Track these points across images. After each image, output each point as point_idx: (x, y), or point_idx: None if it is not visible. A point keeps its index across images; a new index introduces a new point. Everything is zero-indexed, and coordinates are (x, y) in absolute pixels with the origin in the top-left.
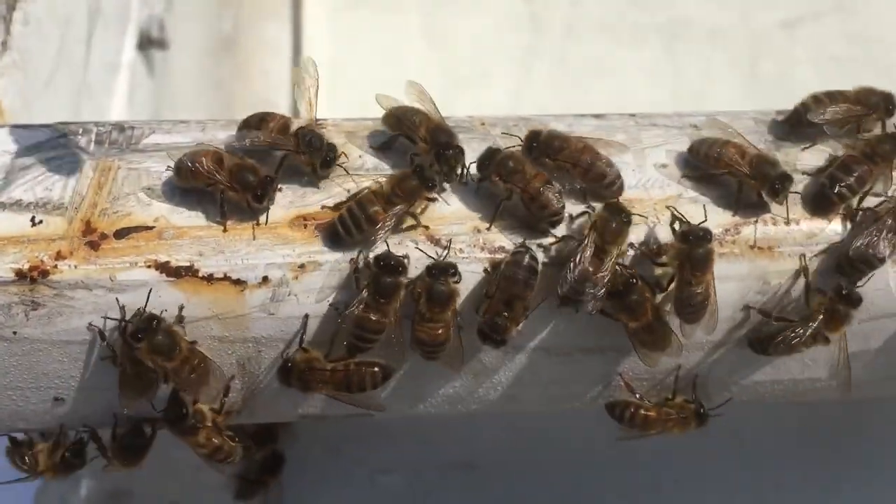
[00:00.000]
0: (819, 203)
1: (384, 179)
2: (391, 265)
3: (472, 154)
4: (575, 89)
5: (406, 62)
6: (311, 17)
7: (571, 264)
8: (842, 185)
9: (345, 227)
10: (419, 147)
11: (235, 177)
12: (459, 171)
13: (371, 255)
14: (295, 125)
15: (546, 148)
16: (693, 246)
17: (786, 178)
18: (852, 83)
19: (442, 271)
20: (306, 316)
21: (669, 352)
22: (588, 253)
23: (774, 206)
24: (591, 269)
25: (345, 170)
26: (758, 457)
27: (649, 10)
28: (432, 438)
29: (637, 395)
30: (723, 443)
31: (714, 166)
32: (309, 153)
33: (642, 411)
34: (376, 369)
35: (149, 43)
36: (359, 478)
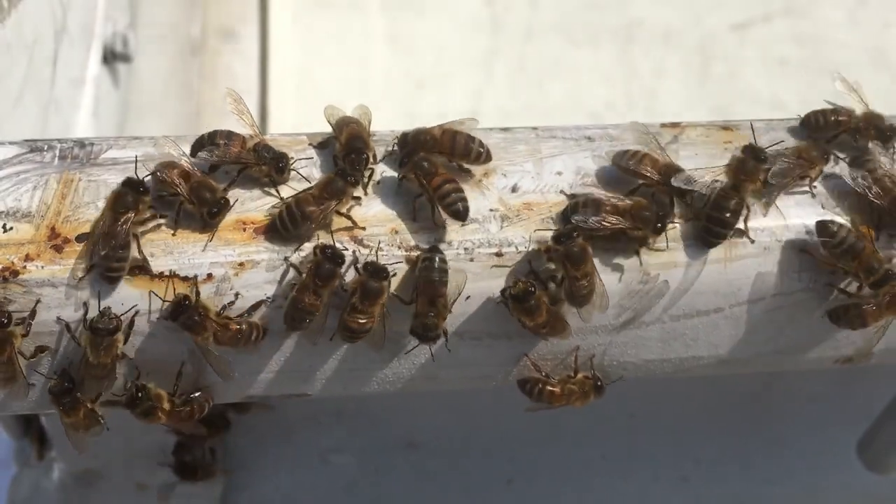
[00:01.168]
0: (706, 243)
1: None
2: (333, 255)
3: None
4: (533, 90)
5: (370, 64)
6: (277, 21)
7: None
8: (718, 227)
9: (282, 223)
10: (337, 149)
11: (195, 192)
12: (365, 173)
13: (314, 245)
14: (250, 142)
15: (416, 144)
16: (566, 246)
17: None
18: (799, 83)
19: (377, 272)
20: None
21: (564, 336)
22: None
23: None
24: None
25: (298, 173)
26: (678, 434)
27: (604, 12)
28: (378, 420)
29: (543, 374)
30: (647, 421)
31: (632, 176)
32: (267, 164)
33: (548, 387)
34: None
35: (113, 57)
36: (310, 458)
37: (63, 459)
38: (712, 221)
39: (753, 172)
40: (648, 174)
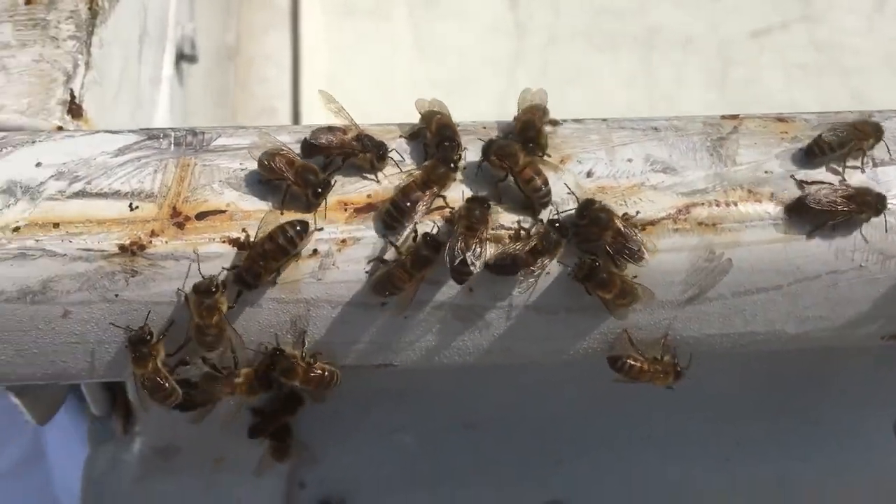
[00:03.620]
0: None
1: (418, 171)
2: (434, 243)
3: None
4: (555, 94)
5: (397, 71)
6: (308, 28)
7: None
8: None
9: (391, 215)
10: (428, 138)
11: (301, 175)
12: (456, 158)
13: (421, 231)
14: (351, 133)
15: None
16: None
17: None
18: (817, 88)
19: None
20: None
21: (649, 300)
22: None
23: None
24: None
25: (392, 159)
26: (719, 415)
27: (625, 19)
28: (437, 401)
29: (637, 351)
30: (690, 403)
31: None
32: (369, 151)
33: (636, 364)
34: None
35: (181, 58)
36: (374, 437)
37: (146, 434)
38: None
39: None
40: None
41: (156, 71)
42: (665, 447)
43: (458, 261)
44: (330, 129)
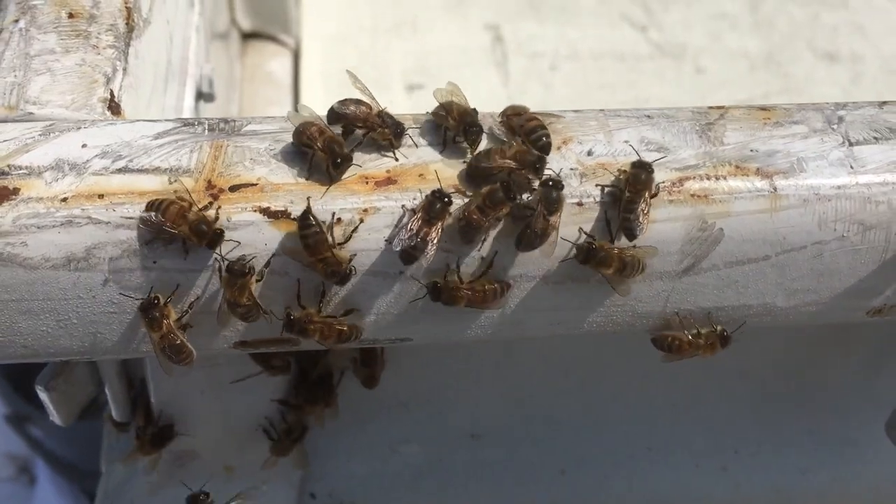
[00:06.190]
0: None
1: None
2: (441, 195)
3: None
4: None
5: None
6: (309, 105)
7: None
8: None
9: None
10: (451, 125)
11: (327, 144)
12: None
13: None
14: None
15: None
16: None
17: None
18: None
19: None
20: None
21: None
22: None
23: None
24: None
25: (411, 138)
26: (717, 425)
27: (615, 91)
28: (442, 412)
29: (682, 329)
30: (688, 414)
31: None
32: (389, 128)
33: (678, 340)
34: (498, 286)
35: (199, 96)
36: (381, 449)
37: None
38: None
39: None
40: None
41: (178, 101)
42: (665, 457)
43: (405, 245)
44: (357, 101)
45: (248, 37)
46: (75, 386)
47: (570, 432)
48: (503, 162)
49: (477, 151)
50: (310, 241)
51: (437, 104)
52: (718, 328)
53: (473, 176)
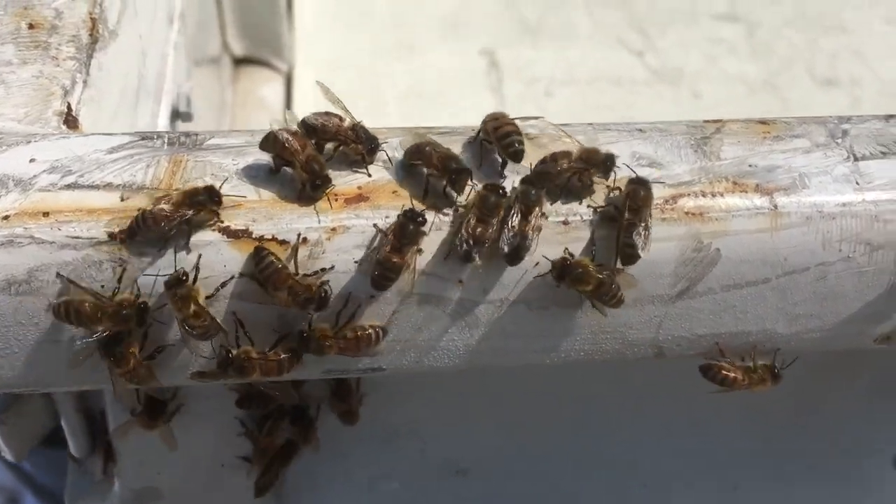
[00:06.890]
0: None
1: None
2: (414, 216)
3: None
4: None
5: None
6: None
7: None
8: None
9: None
10: (433, 174)
11: (308, 163)
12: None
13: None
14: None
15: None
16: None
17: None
18: None
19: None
20: None
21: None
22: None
23: None
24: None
25: (386, 154)
26: (717, 460)
27: (613, 111)
28: (426, 447)
29: (727, 361)
30: (685, 450)
31: None
32: (362, 143)
33: (731, 373)
34: (373, 331)
35: (176, 115)
36: (359, 485)
37: (126, 476)
38: None
39: None
40: None
41: (153, 119)
42: (663, 492)
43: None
44: (328, 113)
45: (240, 62)
46: (27, 419)
47: (561, 467)
48: (573, 164)
49: (543, 157)
50: (267, 272)
51: (405, 151)
52: (763, 364)
53: (540, 180)
